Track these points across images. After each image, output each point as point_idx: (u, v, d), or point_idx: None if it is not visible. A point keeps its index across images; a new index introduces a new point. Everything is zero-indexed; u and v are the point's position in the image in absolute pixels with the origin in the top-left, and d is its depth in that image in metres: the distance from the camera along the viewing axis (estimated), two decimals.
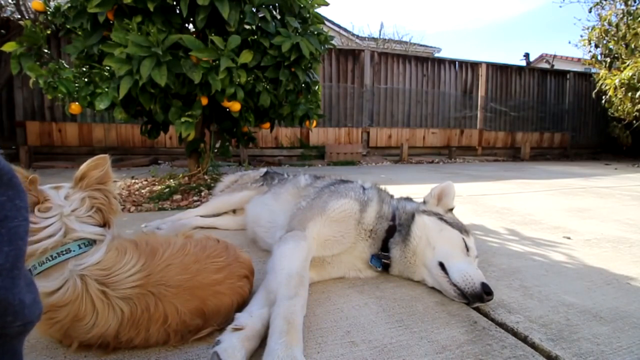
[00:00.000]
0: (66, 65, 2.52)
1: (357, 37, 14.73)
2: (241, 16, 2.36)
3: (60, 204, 0.81)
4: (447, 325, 0.97)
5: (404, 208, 1.33)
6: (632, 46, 7.27)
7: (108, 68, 2.30)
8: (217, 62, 2.21)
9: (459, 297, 1.08)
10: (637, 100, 7.03)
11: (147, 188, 2.94)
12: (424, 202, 1.37)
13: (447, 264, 1.13)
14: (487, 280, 1.07)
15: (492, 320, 1.01)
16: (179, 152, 6.22)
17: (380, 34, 15.31)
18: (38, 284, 0.74)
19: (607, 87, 7.49)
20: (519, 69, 9.09)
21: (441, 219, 1.26)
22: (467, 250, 1.19)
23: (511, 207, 2.62)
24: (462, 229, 1.24)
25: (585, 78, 9.60)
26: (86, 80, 2.42)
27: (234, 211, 1.97)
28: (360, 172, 5.04)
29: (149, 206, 2.42)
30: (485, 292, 1.03)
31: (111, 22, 2.27)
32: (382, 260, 1.23)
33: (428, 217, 1.25)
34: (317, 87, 3.05)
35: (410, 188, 3.34)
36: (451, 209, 1.37)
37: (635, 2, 7.44)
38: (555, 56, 13.74)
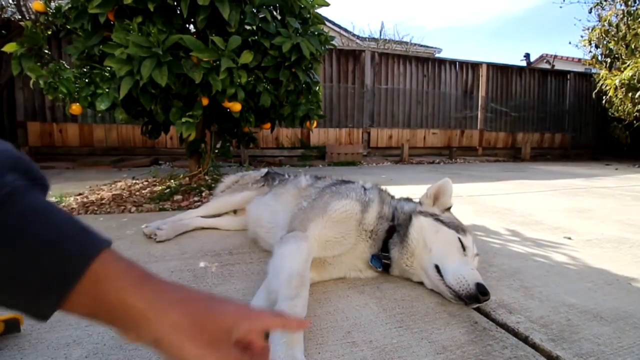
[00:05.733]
0: (67, 66, 2.52)
1: (358, 37, 14.74)
2: (242, 17, 2.36)
3: None
4: (447, 325, 0.97)
5: (402, 209, 1.32)
6: (633, 46, 7.26)
7: (109, 68, 2.30)
8: (218, 62, 2.21)
9: (454, 298, 1.08)
10: (637, 101, 7.03)
11: (148, 188, 2.94)
12: (420, 203, 1.35)
13: (442, 266, 1.12)
14: (484, 281, 1.07)
15: (493, 320, 1.01)
16: (179, 153, 6.22)
17: (380, 35, 15.33)
18: None
19: (607, 88, 7.49)
20: (520, 69, 9.09)
21: (437, 219, 1.24)
22: (464, 249, 1.17)
23: (512, 208, 2.62)
24: (458, 228, 1.23)
25: (586, 78, 9.60)
26: (87, 80, 2.42)
27: (234, 211, 1.97)
28: (361, 173, 5.04)
29: (149, 207, 2.42)
30: (480, 293, 1.02)
31: (112, 22, 2.27)
32: (382, 261, 1.23)
33: (425, 218, 1.24)
34: (317, 87, 3.05)
35: (411, 188, 3.34)
36: (449, 208, 1.35)
37: (635, 2, 7.44)
38: (555, 56, 13.74)
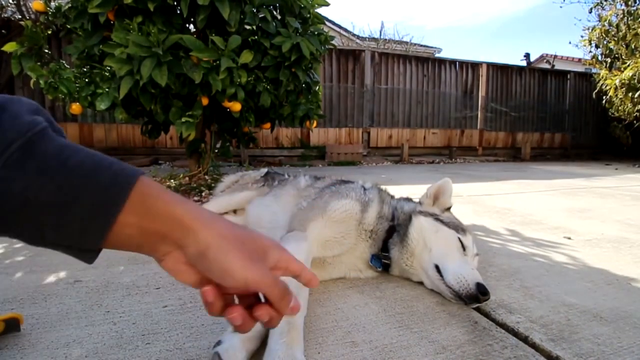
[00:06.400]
0: (67, 66, 2.52)
1: (358, 37, 14.75)
2: (241, 16, 2.36)
3: None
4: (447, 325, 0.97)
5: (402, 208, 1.32)
6: (633, 46, 7.26)
7: (109, 68, 2.30)
8: (218, 62, 2.21)
9: (455, 298, 1.08)
10: (637, 101, 7.03)
11: None
12: (420, 203, 1.35)
13: (442, 266, 1.12)
14: (484, 280, 1.07)
15: (493, 320, 1.01)
16: (179, 153, 6.22)
17: (380, 34, 15.34)
18: None
19: (607, 88, 7.49)
20: (520, 69, 9.09)
21: (437, 219, 1.24)
22: (464, 249, 1.18)
23: (512, 207, 2.62)
24: (458, 227, 1.23)
25: (586, 78, 9.60)
26: (87, 80, 2.42)
27: (234, 211, 1.97)
28: (361, 173, 5.04)
29: None
30: (480, 293, 1.02)
31: (112, 22, 2.27)
32: (382, 261, 1.23)
33: (425, 218, 1.24)
34: (317, 87, 3.05)
35: (411, 188, 3.34)
36: (449, 208, 1.35)
37: (635, 2, 7.44)
38: (555, 56, 13.74)
